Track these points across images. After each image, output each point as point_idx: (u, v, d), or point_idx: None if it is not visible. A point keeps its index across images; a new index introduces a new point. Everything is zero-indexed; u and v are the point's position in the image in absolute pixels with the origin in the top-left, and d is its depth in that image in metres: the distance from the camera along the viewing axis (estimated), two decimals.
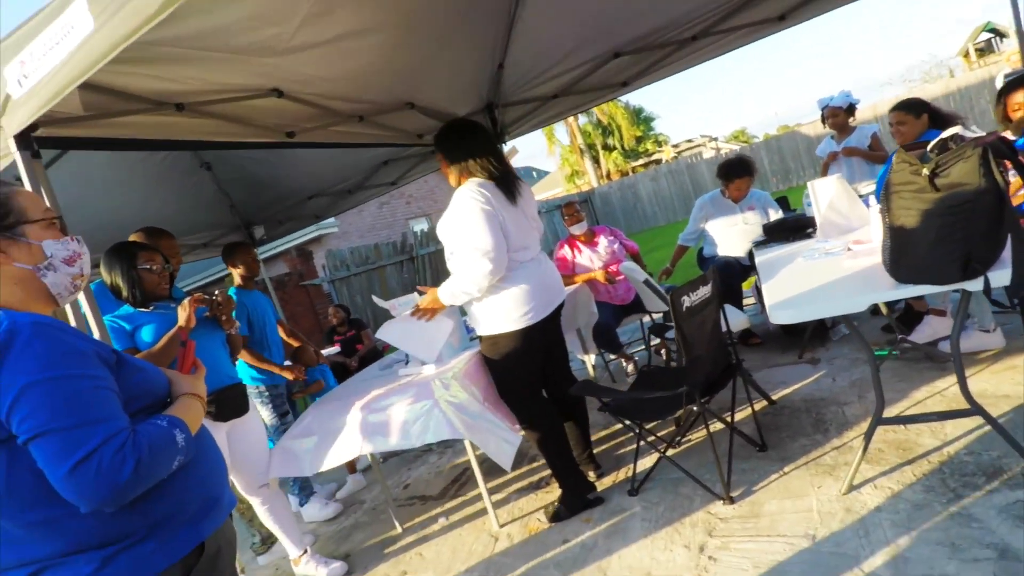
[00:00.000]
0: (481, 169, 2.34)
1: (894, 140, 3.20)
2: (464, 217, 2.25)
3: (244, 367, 3.02)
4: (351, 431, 2.41)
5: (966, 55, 20.36)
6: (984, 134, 1.68)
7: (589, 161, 23.26)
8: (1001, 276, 1.59)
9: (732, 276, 3.74)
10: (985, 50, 19.98)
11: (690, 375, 2.20)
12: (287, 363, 3.21)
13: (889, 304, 3.30)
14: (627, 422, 2.46)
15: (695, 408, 2.22)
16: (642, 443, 2.52)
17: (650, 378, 2.67)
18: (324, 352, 3.85)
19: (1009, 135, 2.46)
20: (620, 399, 2.45)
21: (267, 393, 3.10)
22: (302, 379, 3.28)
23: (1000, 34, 19.91)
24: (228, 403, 2.32)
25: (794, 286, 2.10)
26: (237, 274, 3.18)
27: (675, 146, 25.17)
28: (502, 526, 2.53)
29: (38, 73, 1.60)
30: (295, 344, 3.53)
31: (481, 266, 2.19)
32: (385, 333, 2.53)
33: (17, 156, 1.74)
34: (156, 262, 2.35)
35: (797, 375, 3.15)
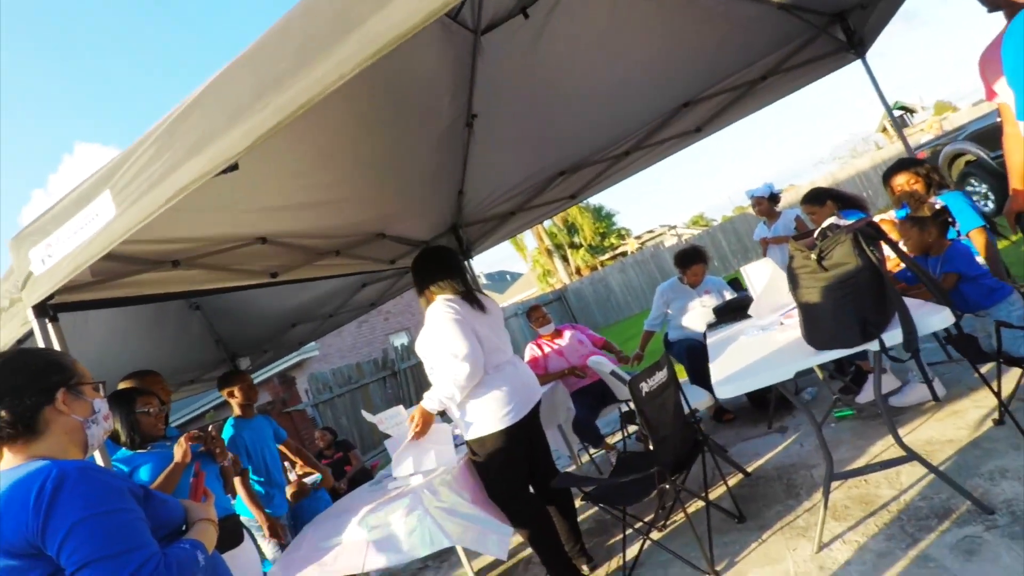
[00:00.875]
0: (447, 288, 2.63)
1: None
2: (437, 328, 2.50)
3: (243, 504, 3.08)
4: (345, 551, 2.47)
5: (884, 130, 22.48)
6: (855, 222, 2.03)
7: (558, 260, 24.19)
8: (895, 335, 1.87)
9: (699, 358, 3.98)
10: (898, 123, 22.12)
11: (658, 456, 2.38)
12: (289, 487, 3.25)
13: (841, 368, 3.56)
14: (610, 509, 2.58)
15: (668, 487, 2.37)
16: (629, 530, 2.62)
17: (627, 463, 2.81)
18: (309, 480, 3.89)
19: (891, 215, 2.86)
20: (599, 487, 2.58)
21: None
22: (281, 541, 3.17)
23: (909, 110, 22.20)
24: (224, 535, 2.37)
25: (736, 362, 2.35)
26: (235, 403, 3.29)
27: (638, 237, 26.44)
28: None
29: (60, 253, 1.87)
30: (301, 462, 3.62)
31: (460, 369, 2.40)
32: (400, 469, 2.69)
33: (35, 323, 1.96)
34: (153, 405, 2.51)
35: (768, 445, 3.32)
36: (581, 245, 24.74)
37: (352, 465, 5.61)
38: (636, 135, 4.33)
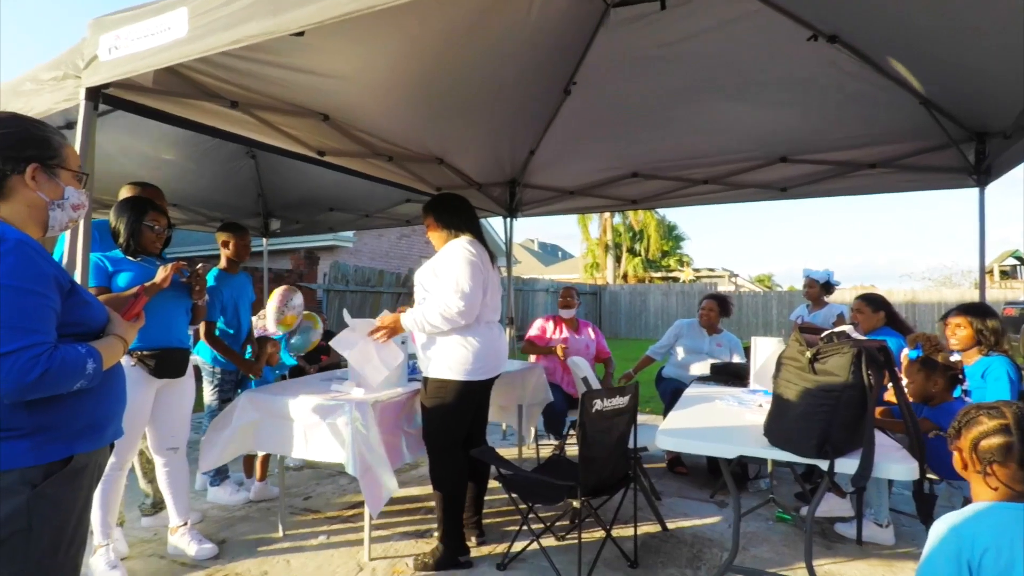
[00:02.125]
0: (472, 235, 2.65)
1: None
2: (452, 262, 2.52)
3: (206, 347, 3.23)
4: (265, 429, 2.59)
5: (990, 272, 20.96)
6: (867, 339, 1.91)
7: (612, 259, 23.83)
8: (848, 464, 1.78)
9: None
10: (1009, 274, 20.60)
11: (581, 472, 2.36)
12: (250, 357, 3.38)
13: (807, 476, 3.44)
14: (516, 499, 2.59)
15: (576, 506, 2.36)
16: (526, 527, 2.63)
17: (556, 466, 2.81)
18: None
19: (904, 353, 2.68)
20: (515, 475, 2.59)
21: (219, 376, 3.28)
22: (257, 377, 3.37)
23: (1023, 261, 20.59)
24: (169, 363, 2.51)
25: (694, 420, 2.30)
26: (225, 255, 3.39)
27: (696, 270, 25.73)
28: (372, 559, 2.63)
29: (126, 50, 1.93)
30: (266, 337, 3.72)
31: (455, 305, 2.42)
32: (339, 343, 2.73)
33: (82, 105, 2.05)
34: (161, 223, 2.62)
35: (700, 511, 3.26)
36: (639, 254, 24.26)
37: (329, 357, 5.78)
38: (721, 168, 4.15)
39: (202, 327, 3.01)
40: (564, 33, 3.16)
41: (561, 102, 3.80)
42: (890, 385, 1.99)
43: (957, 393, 2.54)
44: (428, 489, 3.59)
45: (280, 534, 2.89)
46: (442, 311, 2.44)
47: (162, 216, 2.64)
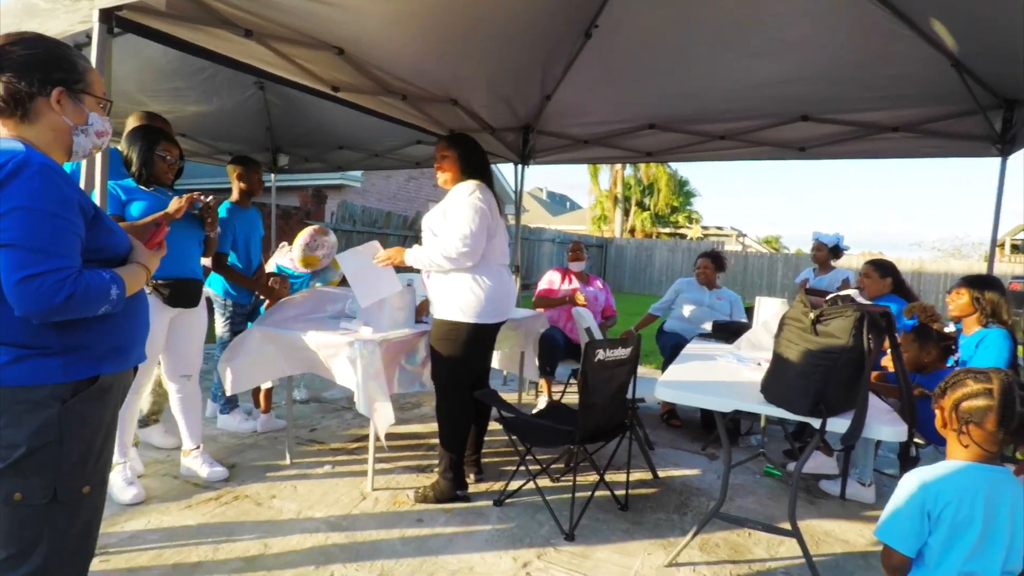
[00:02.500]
0: (485, 181, 2.67)
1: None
2: (461, 205, 2.54)
3: (219, 279, 3.27)
4: (283, 357, 2.68)
5: (1002, 246, 20.73)
6: (871, 304, 1.93)
7: (620, 212, 23.62)
8: (839, 424, 1.84)
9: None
10: (1020, 248, 20.39)
11: (580, 418, 2.44)
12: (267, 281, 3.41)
13: (797, 435, 3.53)
14: (515, 440, 2.69)
15: (575, 449, 2.45)
16: (524, 467, 2.75)
17: (555, 412, 2.90)
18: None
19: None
20: (516, 418, 2.68)
21: (231, 308, 3.33)
22: (273, 302, 3.36)
23: None
24: (183, 293, 2.56)
25: (693, 374, 2.35)
26: (238, 188, 3.39)
27: (704, 227, 25.52)
28: (374, 490, 2.76)
29: None
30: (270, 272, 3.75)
31: (457, 246, 2.47)
32: (343, 259, 2.76)
33: (96, 27, 2.01)
34: (173, 154, 2.62)
35: (691, 462, 3.38)
36: (648, 208, 24.01)
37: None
38: (741, 124, 4.07)
39: (213, 258, 3.04)
40: None
41: (581, 46, 3.68)
42: (889, 350, 2.03)
43: (950, 363, 2.58)
44: (429, 427, 3.73)
45: (287, 462, 3.02)
46: (443, 251, 2.50)
47: (174, 147, 2.63)
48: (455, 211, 2.55)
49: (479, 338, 2.63)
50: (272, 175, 5.96)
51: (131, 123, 2.87)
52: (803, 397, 1.87)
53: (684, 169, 24.83)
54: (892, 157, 3.98)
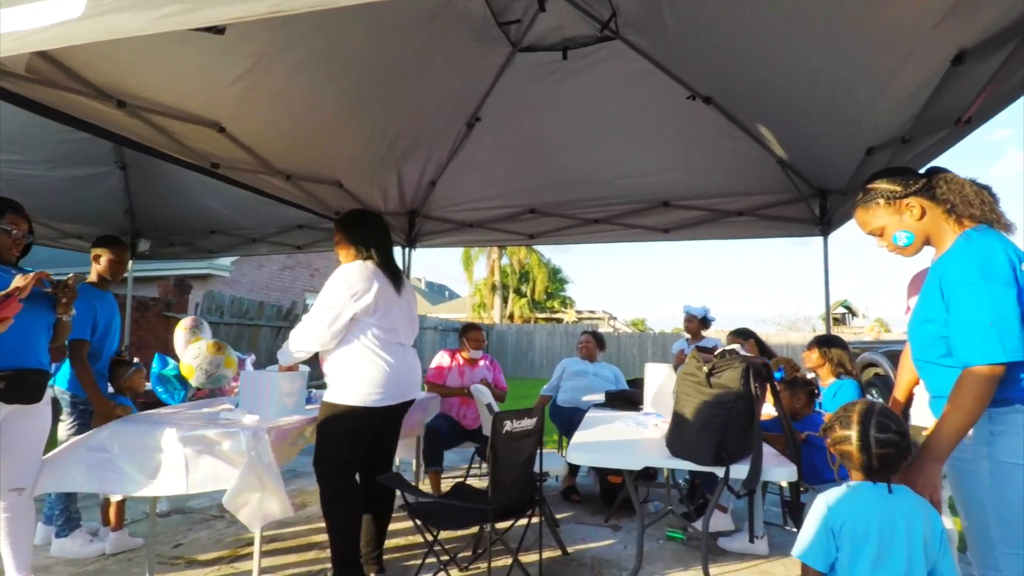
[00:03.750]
0: (376, 255, 2.59)
1: None
2: (334, 286, 2.48)
3: (69, 373, 2.83)
4: (150, 461, 2.31)
5: (824, 319, 24.22)
6: (754, 356, 2.14)
7: (499, 299, 24.27)
8: (741, 471, 1.96)
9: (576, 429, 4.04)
10: (840, 321, 23.90)
11: (493, 495, 2.35)
12: (115, 398, 2.98)
13: (691, 496, 3.68)
14: (424, 527, 2.51)
15: (488, 529, 2.34)
16: (432, 559, 2.55)
17: (461, 493, 2.77)
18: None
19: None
20: (424, 502, 2.52)
21: (80, 407, 2.86)
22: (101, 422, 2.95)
23: (852, 312, 24.09)
24: (22, 386, 2.17)
25: (596, 438, 2.39)
26: (97, 270, 3.04)
27: (578, 311, 26.93)
28: None
29: (5, 27, 1.71)
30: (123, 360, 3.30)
31: (304, 339, 2.50)
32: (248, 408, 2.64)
33: None
34: (20, 228, 2.31)
35: (597, 535, 3.35)
36: (526, 295, 24.97)
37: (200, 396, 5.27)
38: (612, 209, 4.48)
39: (70, 346, 2.63)
40: (472, 70, 3.30)
41: (464, 136, 3.92)
42: (768, 398, 2.24)
43: (817, 406, 2.91)
44: (317, 525, 3.36)
45: None
46: (296, 340, 2.52)
47: (22, 220, 2.33)
48: (326, 294, 2.50)
49: (364, 423, 2.48)
50: (130, 263, 5.41)
51: None
52: (706, 448, 1.98)
53: (556, 258, 26.37)
54: (739, 238, 4.56)
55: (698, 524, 3.40)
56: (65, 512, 2.88)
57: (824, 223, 4.09)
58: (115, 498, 2.92)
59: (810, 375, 3.01)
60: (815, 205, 4.09)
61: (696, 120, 3.46)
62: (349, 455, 2.50)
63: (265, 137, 3.17)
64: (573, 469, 4.10)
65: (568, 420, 3.97)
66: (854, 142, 3.07)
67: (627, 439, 2.40)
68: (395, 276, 2.65)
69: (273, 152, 3.32)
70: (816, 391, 2.87)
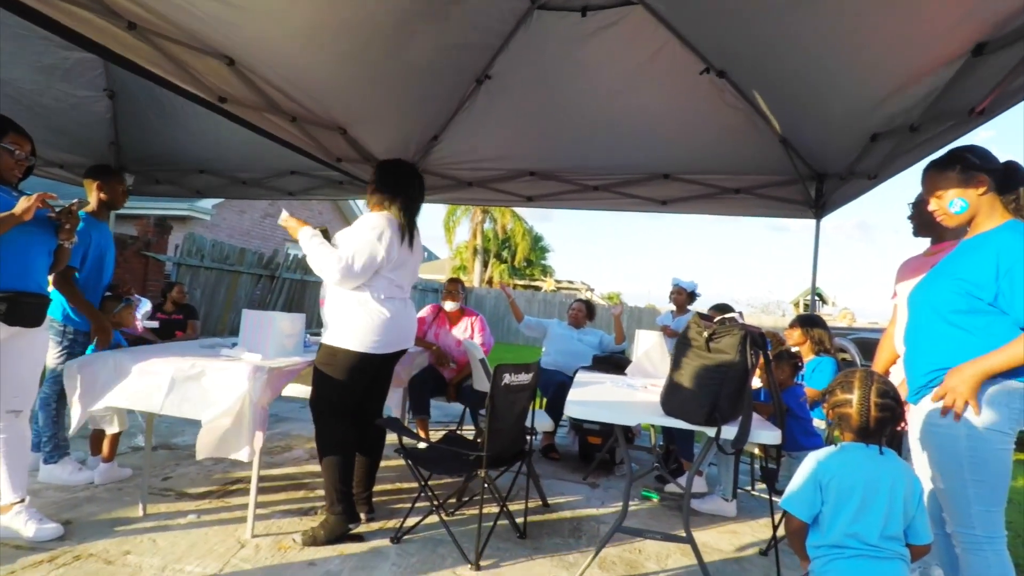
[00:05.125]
0: (398, 210, 2.62)
1: None
2: (358, 232, 2.50)
3: (60, 298, 2.78)
4: (146, 379, 2.34)
5: (796, 304, 24.88)
6: (752, 325, 2.23)
7: (479, 263, 24.25)
8: (730, 431, 2.06)
9: (558, 393, 4.13)
10: (810, 306, 24.64)
11: (488, 443, 2.43)
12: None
13: (665, 460, 3.83)
14: (416, 469, 2.59)
15: (480, 475, 2.43)
16: (424, 503, 2.64)
17: (454, 441, 2.85)
18: (142, 323, 3.57)
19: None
20: (419, 447, 2.59)
21: (69, 334, 2.83)
22: (106, 342, 2.90)
23: (823, 299, 24.81)
24: (24, 309, 2.15)
25: (592, 396, 2.48)
26: (95, 198, 2.98)
27: (557, 280, 27.10)
28: (255, 536, 2.45)
29: None
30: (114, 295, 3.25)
31: (333, 269, 2.42)
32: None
33: None
34: (23, 148, 2.25)
35: (575, 491, 3.49)
36: (507, 261, 24.98)
37: (186, 333, 5.23)
38: (613, 177, 4.50)
39: (57, 273, 2.59)
40: (487, 24, 3.24)
41: (472, 93, 3.87)
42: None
43: (799, 379, 3.06)
44: (304, 468, 3.44)
45: (140, 513, 2.58)
46: (328, 263, 2.43)
47: (25, 140, 2.27)
48: (352, 233, 2.53)
49: (362, 367, 2.53)
50: None
51: None
52: (699, 408, 2.07)
53: (539, 225, 26.36)
54: (735, 215, 4.64)
55: (671, 486, 3.57)
56: (53, 439, 2.88)
57: (819, 206, 4.18)
58: (111, 430, 2.93)
59: (794, 350, 3.14)
60: (811, 188, 4.17)
61: (704, 95, 3.47)
62: (346, 396, 2.55)
63: (273, 76, 3.10)
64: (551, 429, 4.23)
65: (559, 384, 4.07)
66: (859, 128, 3.13)
67: (620, 399, 2.49)
68: (410, 233, 2.67)
69: (280, 91, 3.25)
70: (800, 364, 3.00)
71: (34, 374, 2.31)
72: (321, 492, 3.04)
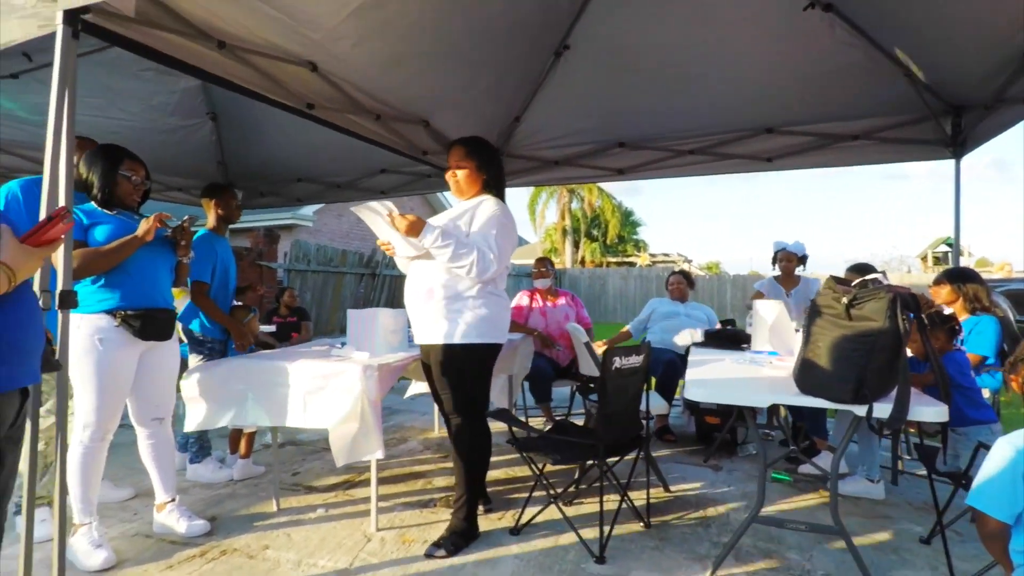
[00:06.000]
0: (500, 195, 2.55)
1: None
2: (502, 224, 2.41)
3: (191, 313, 3.00)
4: (254, 400, 2.45)
5: (924, 259, 22.32)
6: (900, 286, 1.93)
7: (570, 244, 23.99)
8: (883, 409, 1.80)
9: (669, 371, 3.93)
10: (941, 260, 22.02)
11: (602, 430, 2.31)
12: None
13: (795, 437, 3.52)
14: (532, 460, 2.53)
15: (596, 464, 2.32)
16: (541, 492, 2.57)
17: (564, 429, 2.76)
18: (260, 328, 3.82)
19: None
20: (533, 437, 2.53)
21: (208, 343, 3.04)
22: (244, 349, 3.10)
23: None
24: (154, 324, 2.30)
25: (714, 375, 2.28)
26: (214, 215, 3.18)
27: (652, 255, 26.24)
28: (379, 530, 2.51)
29: None
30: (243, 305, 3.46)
31: (491, 268, 2.31)
32: (363, 208, 2.56)
33: (60, 29, 1.82)
34: (138, 174, 2.39)
35: (697, 475, 3.29)
36: (597, 239, 24.51)
37: (300, 335, 5.55)
38: (709, 138, 4.18)
39: (192, 288, 2.78)
40: None
41: (551, 65, 3.71)
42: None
43: (958, 343, 2.65)
44: (418, 458, 3.50)
45: (275, 509, 2.73)
46: (481, 262, 2.28)
47: (140, 166, 2.41)
48: (497, 227, 2.38)
49: (495, 358, 2.47)
50: None
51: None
52: (843, 384, 1.82)
53: (628, 200, 25.61)
54: (852, 164, 4.15)
55: (805, 467, 3.27)
56: (199, 440, 3.12)
57: (957, 143, 3.63)
58: (247, 430, 3.13)
59: (946, 311, 2.73)
60: (946, 124, 3.62)
61: (809, 35, 3.07)
62: (485, 389, 2.48)
63: (353, 76, 3.12)
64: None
65: (667, 363, 3.87)
66: (1007, 47, 2.64)
67: (745, 377, 2.27)
68: None
69: (361, 91, 3.27)
70: (957, 327, 2.60)
71: (171, 383, 2.48)
72: (438, 483, 3.10)
